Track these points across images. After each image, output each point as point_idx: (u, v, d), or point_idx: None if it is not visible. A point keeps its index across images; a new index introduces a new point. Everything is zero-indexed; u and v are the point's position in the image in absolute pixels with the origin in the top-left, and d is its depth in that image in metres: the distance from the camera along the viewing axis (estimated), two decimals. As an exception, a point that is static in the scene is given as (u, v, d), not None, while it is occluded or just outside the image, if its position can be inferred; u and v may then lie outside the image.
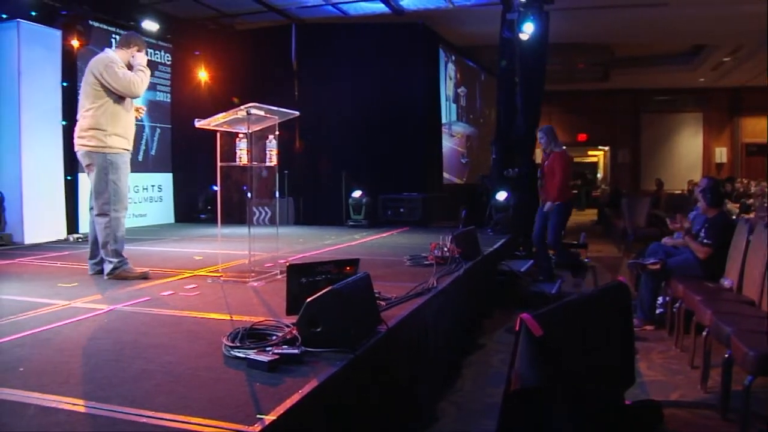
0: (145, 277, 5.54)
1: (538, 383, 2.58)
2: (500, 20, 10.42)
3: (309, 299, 3.10)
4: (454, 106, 15.11)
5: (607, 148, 24.84)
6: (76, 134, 5.55)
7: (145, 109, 5.79)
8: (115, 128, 5.49)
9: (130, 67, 5.69)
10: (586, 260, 9.13)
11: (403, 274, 5.56)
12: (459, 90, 15.50)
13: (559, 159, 8.12)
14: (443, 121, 14.04)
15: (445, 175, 13.94)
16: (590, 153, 27.90)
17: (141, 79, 5.58)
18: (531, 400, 2.57)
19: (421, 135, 12.09)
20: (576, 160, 27.40)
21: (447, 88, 14.46)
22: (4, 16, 8.71)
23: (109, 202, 5.47)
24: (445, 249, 5.97)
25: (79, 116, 5.58)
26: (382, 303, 3.99)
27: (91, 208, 5.65)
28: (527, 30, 9.76)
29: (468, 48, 15.24)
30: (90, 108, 5.46)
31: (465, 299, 5.64)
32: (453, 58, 14.83)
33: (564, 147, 8.35)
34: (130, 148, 5.70)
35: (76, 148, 5.57)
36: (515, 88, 10.23)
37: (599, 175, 27.93)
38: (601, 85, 20.63)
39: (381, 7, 11.53)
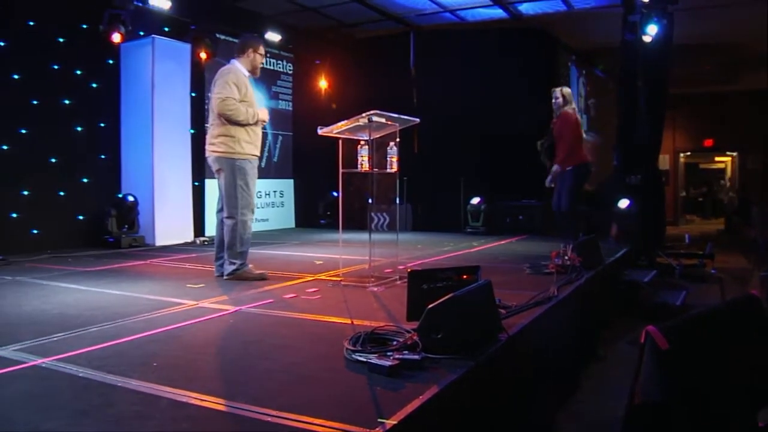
0: (262, 278, 5.74)
1: (663, 399, 2.47)
2: (621, 23, 10.11)
3: (430, 306, 3.10)
4: (585, 116, 14.99)
5: (735, 154, 23.54)
6: (207, 141, 5.82)
7: (267, 112, 5.95)
8: (244, 135, 5.72)
9: (254, 71, 5.92)
10: (712, 271, 8.67)
11: (523, 282, 5.49)
12: (590, 102, 15.35)
13: (566, 119, 7.56)
14: None
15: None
16: (717, 159, 26.52)
17: (231, 106, 5.61)
18: (655, 416, 2.46)
19: (540, 141, 11.87)
20: (702, 166, 26.23)
21: (578, 102, 14.38)
22: (141, 33, 9.24)
23: (237, 205, 5.70)
24: (566, 257, 5.83)
25: (209, 124, 5.84)
26: (503, 311, 3.93)
27: (219, 211, 5.89)
28: (651, 32, 9.42)
29: (587, 52, 14.86)
30: (220, 117, 5.69)
31: (586, 309, 5.49)
32: (584, 71, 14.70)
33: (574, 107, 7.80)
34: (258, 154, 5.91)
35: (206, 154, 5.83)
36: (637, 92, 9.87)
37: (726, 182, 26.54)
38: (730, 88, 19.55)
39: (499, 13, 11.41)
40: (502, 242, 9.34)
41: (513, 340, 3.45)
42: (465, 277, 3.85)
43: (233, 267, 5.74)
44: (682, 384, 2.49)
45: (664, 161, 19.52)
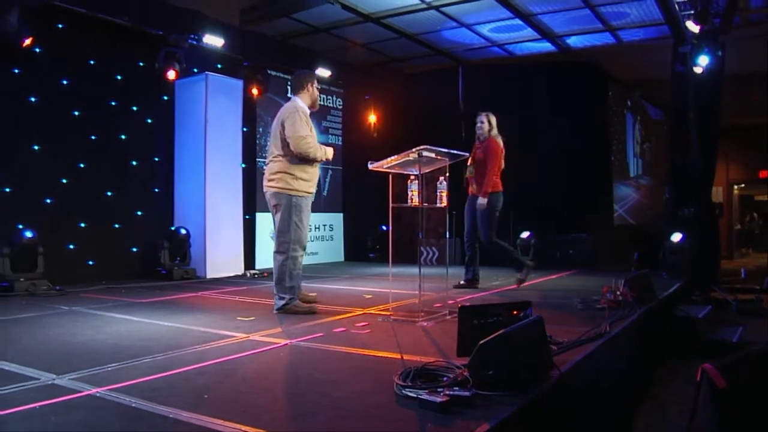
0: (312, 312, 5.76)
1: (720, 439, 2.39)
2: (671, 54, 10.00)
3: (481, 342, 3.07)
4: (640, 161, 14.98)
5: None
6: (265, 176, 5.92)
7: (332, 151, 6.06)
8: (302, 173, 5.81)
9: (314, 105, 6.05)
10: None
11: (574, 318, 5.39)
12: (644, 146, 15.38)
13: (494, 147, 7.45)
14: (631, 174, 14.08)
15: (618, 209, 13.55)
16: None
17: (311, 145, 5.75)
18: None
19: (591, 174, 11.76)
20: (757, 198, 25.54)
21: (634, 146, 14.41)
22: (195, 70, 9.47)
23: (290, 241, 5.76)
24: (618, 293, 5.73)
25: (268, 160, 5.94)
26: (554, 347, 3.86)
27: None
28: (702, 63, 9.28)
29: (637, 84, 14.74)
30: (279, 154, 5.80)
31: (639, 346, 5.36)
32: (639, 117, 14.73)
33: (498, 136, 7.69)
34: (314, 191, 6.00)
35: (264, 189, 5.93)
36: (689, 124, 9.72)
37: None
38: (784, 118, 19.10)
39: (547, 46, 11.41)
40: (553, 277, 9.21)
41: (565, 377, 3.38)
42: (516, 312, 3.81)
43: (282, 302, 5.78)
44: (739, 423, 2.41)
45: (717, 194, 19.11)
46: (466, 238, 7.82)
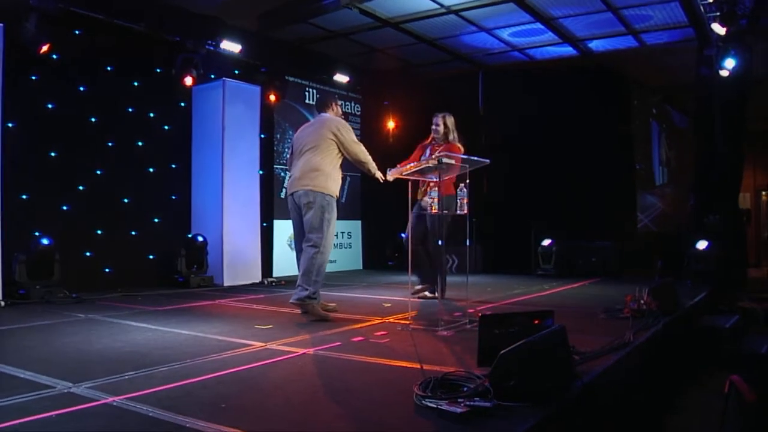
0: (325, 319, 5.79)
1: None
2: (696, 58, 9.92)
3: (502, 351, 3.05)
4: (665, 170, 14.89)
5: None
6: (297, 175, 6.02)
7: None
8: (335, 175, 6.04)
9: None
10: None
11: (597, 328, 5.36)
12: (670, 153, 15.35)
13: (458, 150, 6.98)
14: (657, 183, 14.08)
15: (643, 219, 13.45)
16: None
17: (367, 153, 6.16)
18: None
19: (614, 180, 11.68)
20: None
21: (659, 154, 14.34)
22: (212, 76, 9.54)
23: (323, 237, 5.85)
24: (642, 302, 5.68)
25: (301, 162, 6.06)
26: (577, 357, 3.84)
27: (303, 242, 6.02)
28: (728, 66, 9.20)
29: (661, 88, 14.64)
30: (318, 155, 5.99)
31: (664, 356, 5.31)
32: (664, 125, 14.67)
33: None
34: (338, 195, 6.15)
35: (296, 188, 6.00)
36: (714, 129, 9.63)
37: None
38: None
39: (568, 50, 11.35)
40: (575, 285, 9.16)
41: (588, 387, 3.36)
42: (537, 321, 3.80)
43: (305, 293, 5.80)
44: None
45: (744, 200, 18.90)
46: (412, 243, 7.12)
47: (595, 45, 11.13)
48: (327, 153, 6.00)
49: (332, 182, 5.99)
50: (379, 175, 6.26)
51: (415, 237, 7.20)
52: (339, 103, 6.55)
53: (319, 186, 5.90)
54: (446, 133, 7.31)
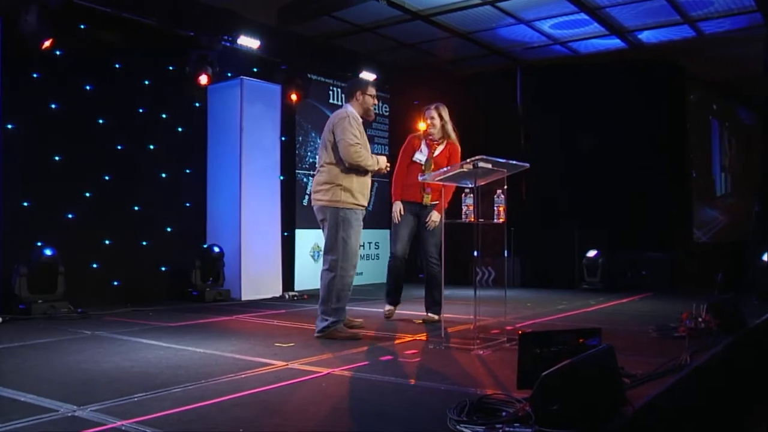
0: (355, 338, 5.78)
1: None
2: (764, 46, 9.78)
3: (544, 373, 3.02)
4: (728, 176, 14.70)
5: None
6: (312, 189, 6.04)
7: (385, 160, 6.13)
8: (351, 184, 5.89)
9: (366, 114, 6.16)
10: None
11: (648, 347, 5.31)
12: (735, 156, 15.26)
13: (456, 152, 6.92)
14: (718, 193, 13.83)
15: (701, 236, 13.24)
16: None
17: (362, 153, 5.86)
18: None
19: (667, 186, 11.56)
20: None
21: (721, 158, 14.14)
22: (229, 74, 9.61)
23: (338, 259, 5.81)
24: (700, 319, 5.60)
25: (316, 171, 6.05)
26: (627, 380, 3.79)
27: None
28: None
29: (721, 83, 14.45)
30: (326, 163, 5.92)
31: (726, 381, 5.23)
32: (726, 124, 14.49)
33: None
34: (365, 204, 6.06)
35: (312, 203, 6.03)
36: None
37: None
38: None
39: (616, 43, 11.25)
40: (624, 301, 9.08)
41: (639, 414, 3.31)
42: (583, 340, 3.76)
43: (325, 323, 5.82)
44: None
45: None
46: (401, 253, 7.14)
47: (645, 36, 11.02)
48: (336, 159, 5.89)
49: (348, 193, 5.86)
50: (382, 163, 6.07)
51: (402, 248, 7.05)
52: (371, 92, 6.20)
53: (331, 200, 5.84)
54: (443, 127, 7.05)
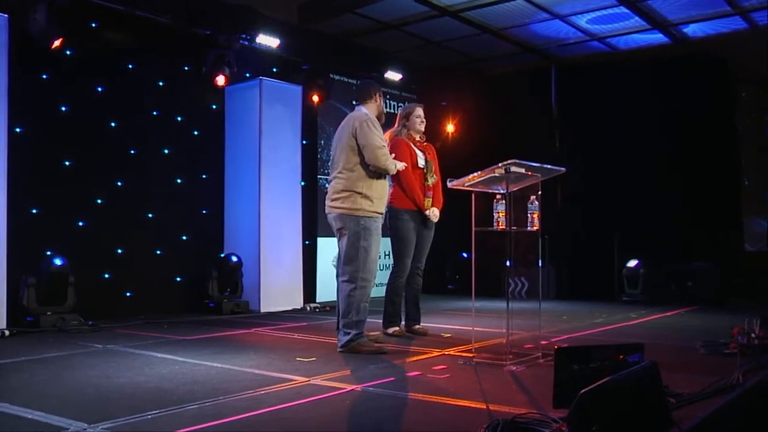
0: (381, 352, 5.77)
1: None
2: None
3: (582, 391, 2.99)
4: None
5: None
6: (328, 196, 6.03)
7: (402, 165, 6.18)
8: (370, 191, 5.89)
9: (380, 117, 6.18)
10: None
11: (696, 365, 5.26)
12: None
13: (435, 153, 7.11)
14: None
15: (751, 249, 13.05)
16: None
17: (389, 157, 5.97)
18: None
19: (715, 191, 11.44)
20: None
21: None
22: (248, 75, 9.66)
23: (359, 269, 5.81)
24: (753, 335, 5.53)
25: (331, 177, 6.06)
26: (672, 400, 3.76)
27: (339, 276, 6.04)
28: None
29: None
30: (345, 169, 5.92)
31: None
32: None
33: None
34: (383, 212, 6.09)
35: (327, 211, 6.03)
36: None
37: None
38: None
39: (658, 37, 11.17)
40: (668, 314, 8.99)
41: (686, 436, 3.28)
42: (623, 356, 3.74)
43: (347, 338, 5.82)
44: None
45: None
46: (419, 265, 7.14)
47: (691, 30, 10.91)
48: (355, 163, 5.89)
49: (368, 200, 5.87)
50: (400, 167, 6.14)
51: (410, 263, 6.94)
52: (382, 96, 6.35)
53: (351, 209, 5.85)
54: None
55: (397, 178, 6.61)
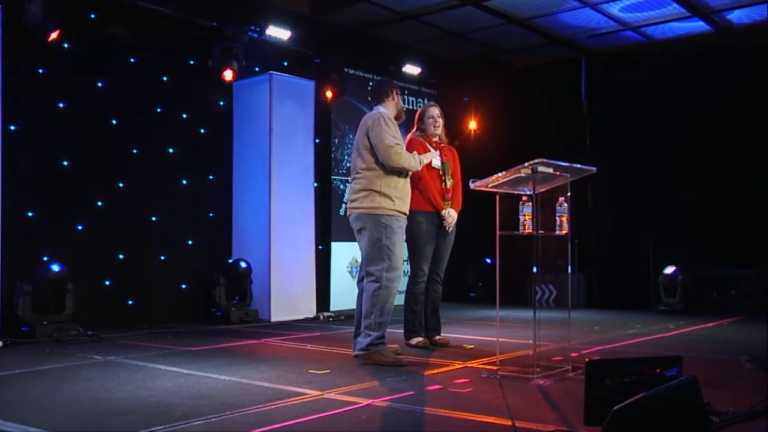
0: (399, 364, 5.77)
1: None
2: None
3: (616, 407, 2.98)
4: None
5: None
6: (348, 197, 6.13)
7: (437, 154, 6.22)
8: (389, 190, 5.94)
9: (399, 116, 6.25)
10: None
11: (741, 381, 5.22)
12: None
13: (456, 154, 7.20)
14: None
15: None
16: None
17: (403, 154, 5.95)
18: None
19: (760, 193, 11.35)
20: None
21: None
22: (257, 69, 9.66)
23: (383, 268, 5.85)
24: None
25: (351, 178, 6.15)
26: (715, 419, 3.72)
27: (361, 281, 6.09)
28: None
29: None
30: (362, 169, 6.01)
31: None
32: None
33: None
34: (407, 212, 6.11)
35: (347, 212, 6.11)
36: None
37: None
38: None
39: (699, 26, 11.08)
40: (708, 325, 8.93)
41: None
42: (660, 370, 3.71)
43: (368, 340, 5.83)
44: None
45: None
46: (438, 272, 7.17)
47: (735, 16, 10.82)
48: (372, 162, 5.97)
49: (387, 199, 5.92)
50: (426, 159, 6.26)
51: (428, 268, 6.97)
52: (399, 95, 6.44)
53: (370, 207, 5.90)
54: (443, 128, 7.14)
55: (412, 179, 6.60)
